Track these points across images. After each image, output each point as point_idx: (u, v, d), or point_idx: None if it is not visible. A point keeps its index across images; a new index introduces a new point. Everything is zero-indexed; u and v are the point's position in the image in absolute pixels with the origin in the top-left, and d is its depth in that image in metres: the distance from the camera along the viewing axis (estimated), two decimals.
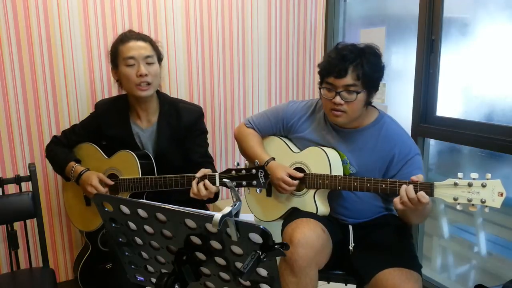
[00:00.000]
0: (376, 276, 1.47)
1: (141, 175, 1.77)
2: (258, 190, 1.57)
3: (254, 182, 1.54)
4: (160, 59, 1.84)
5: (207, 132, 1.96)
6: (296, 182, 1.69)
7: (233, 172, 1.57)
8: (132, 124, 1.88)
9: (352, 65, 1.54)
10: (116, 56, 1.79)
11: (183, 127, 1.86)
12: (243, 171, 1.55)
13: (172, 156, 1.87)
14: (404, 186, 1.42)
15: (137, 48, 1.75)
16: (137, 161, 1.78)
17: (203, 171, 1.65)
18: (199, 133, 1.92)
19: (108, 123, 1.87)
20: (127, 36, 1.80)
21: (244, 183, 1.54)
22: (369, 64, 1.55)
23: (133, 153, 1.79)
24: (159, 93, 1.91)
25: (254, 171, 1.53)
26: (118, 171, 1.83)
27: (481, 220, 2.21)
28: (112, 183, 1.80)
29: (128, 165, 1.80)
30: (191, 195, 1.64)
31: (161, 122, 1.86)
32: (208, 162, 1.92)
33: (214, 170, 1.82)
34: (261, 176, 1.53)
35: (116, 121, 1.87)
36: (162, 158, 1.85)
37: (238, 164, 1.58)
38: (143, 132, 1.88)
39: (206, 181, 1.61)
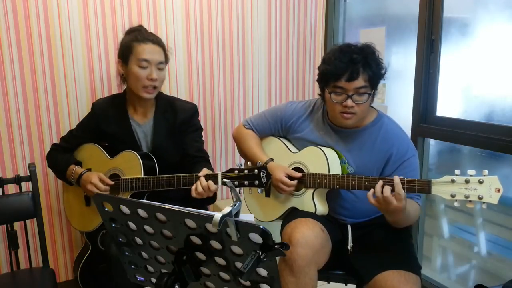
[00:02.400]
0: (375, 278, 1.48)
1: (143, 175, 1.78)
2: (259, 190, 1.58)
3: (256, 182, 1.56)
4: (166, 64, 1.87)
5: (202, 129, 2.00)
6: (295, 182, 1.69)
7: (236, 171, 1.59)
8: (130, 119, 1.90)
9: (362, 67, 1.53)
10: (129, 52, 1.80)
11: (179, 123, 1.89)
12: (246, 171, 1.57)
13: (168, 151, 1.90)
14: (380, 182, 1.43)
15: (153, 52, 1.79)
16: (140, 162, 1.79)
17: (205, 171, 1.67)
18: (195, 129, 1.95)
19: (107, 120, 1.89)
20: (144, 37, 1.81)
21: (246, 182, 1.56)
22: (374, 63, 1.56)
23: (136, 154, 1.80)
24: None
25: (256, 171, 1.55)
26: (121, 171, 1.84)
27: (481, 220, 2.21)
28: (112, 183, 1.80)
29: (130, 165, 1.81)
30: (193, 194, 1.65)
31: (158, 118, 1.90)
32: (204, 157, 1.94)
33: (210, 167, 1.86)
34: (263, 176, 1.55)
35: (114, 117, 1.90)
36: (159, 153, 1.88)
37: (240, 165, 1.60)
38: (140, 127, 1.91)
39: (210, 181, 1.63)
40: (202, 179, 1.64)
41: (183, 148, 1.91)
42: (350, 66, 1.53)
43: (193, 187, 1.65)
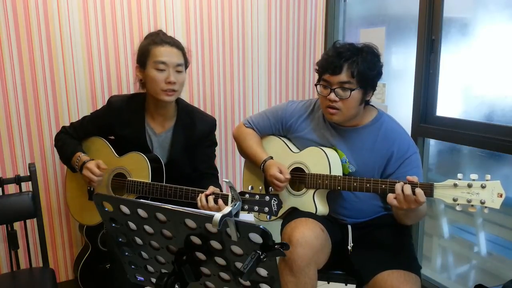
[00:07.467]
0: (375, 278, 1.48)
1: (151, 180, 1.77)
2: (268, 217, 1.55)
3: (266, 209, 1.51)
4: (186, 67, 1.83)
5: (217, 144, 1.97)
6: (288, 177, 1.68)
7: (247, 195, 1.54)
8: (146, 126, 1.86)
9: (347, 63, 1.54)
10: (146, 56, 1.76)
11: (196, 136, 1.87)
12: (257, 196, 1.52)
13: (183, 163, 1.87)
14: (400, 182, 1.42)
15: (170, 54, 1.74)
16: (149, 166, 1.77)
17: (212, 189, 1.64)
18: (210, 144, 1.93)
19: (121, 122, 1.85)
20: (161, 39, 1.77)
21: (256, 208, 1.52)
22: (365, 62, 1.55)
23: (145, 157, 1.78)
24: (177, 99, 1.89)
25: (267, 198, 1.51)
26: (127, 172, 1.82)
27: (481, 220, 2.21)
28: (106, 167, 1.77)
29: (138, 167, 1.79)
30: (199, 205, 1.62)
31: (177, 130, 1.86)
32: (213, 174, 1.93)
33: (218, 184, 1.83)
34: (273, 204, 1.50)
35: (130, 121, 1.85)
36: (174, 165, 1.85)
37: (252, 188, 1.56)
38: (156, 136, 1.87)
39: (220, 200, 1.59)
40: (212, 203, 1.59)
41: (194, 162, 1.89)
42: (336, 60, 1.55)
43: (199, 206, 1.61)
